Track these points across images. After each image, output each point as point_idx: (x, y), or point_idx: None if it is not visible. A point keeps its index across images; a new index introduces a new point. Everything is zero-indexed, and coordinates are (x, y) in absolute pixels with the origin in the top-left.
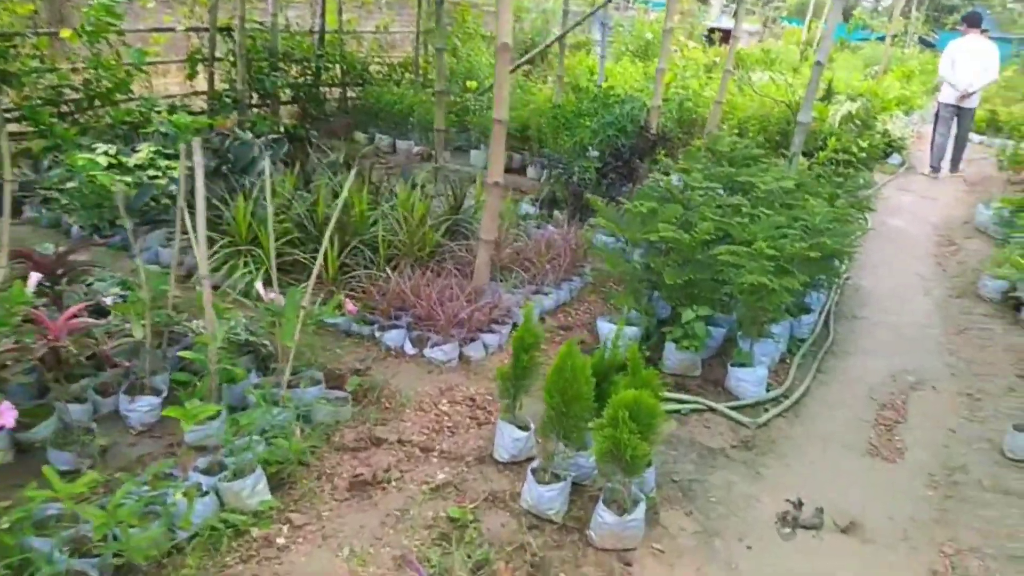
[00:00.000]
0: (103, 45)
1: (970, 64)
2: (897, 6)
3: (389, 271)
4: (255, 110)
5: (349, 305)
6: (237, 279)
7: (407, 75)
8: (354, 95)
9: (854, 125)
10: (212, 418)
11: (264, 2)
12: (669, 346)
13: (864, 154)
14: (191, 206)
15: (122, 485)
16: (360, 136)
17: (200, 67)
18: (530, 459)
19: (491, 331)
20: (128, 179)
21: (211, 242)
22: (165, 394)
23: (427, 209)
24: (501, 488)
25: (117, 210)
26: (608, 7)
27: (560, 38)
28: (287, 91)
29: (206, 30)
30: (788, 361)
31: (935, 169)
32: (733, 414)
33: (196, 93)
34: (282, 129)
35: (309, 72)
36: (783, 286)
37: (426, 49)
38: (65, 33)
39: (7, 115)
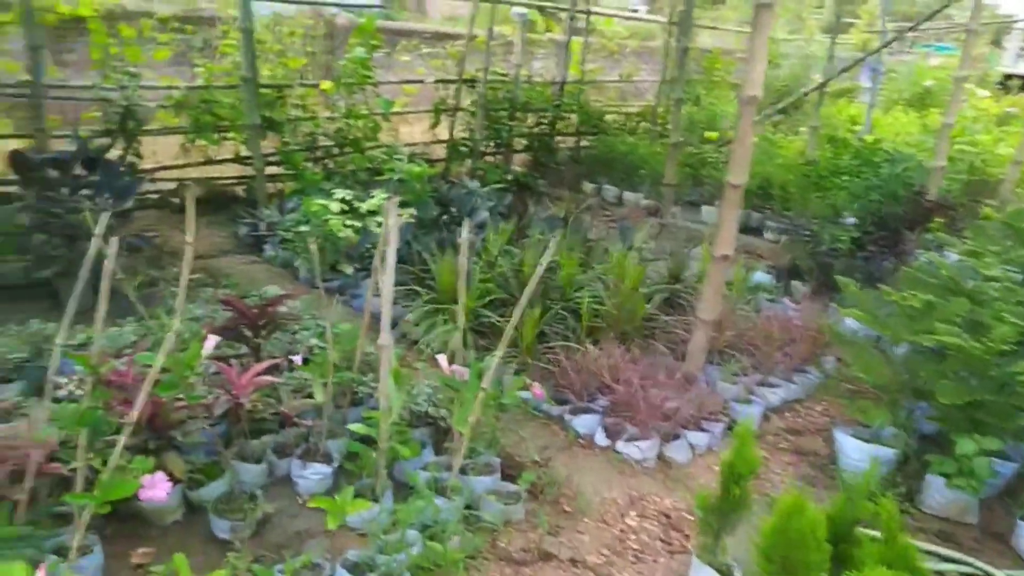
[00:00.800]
0: (359, 95)
1: None
2: None
3: (589, 344)
4: (489, 158)
5: (536, 388)
6: (435, 337)
7: (644, 124)
8: (587, 144)
9: None
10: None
11: (512, 55)
12: (934, 480)
13: None
14: (402, 260)
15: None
16: (588, 187)
17: (445, 117)
18: None
19: (701, 428)
20: (356, 225)
21: (414, 295)
22: (338, 463)
23: (641, 275)
24: None
25: (340, 255)
26: (882, 51)
27: (822, 86)
28: (522, 140)
29: (453, 81)
30: None
31: None
32: None
33: (437, 141)
34: (511, 177)
35: (544, 121)
36: None
37: (668, 98)
38: (325, 85)
39: (269, 159)
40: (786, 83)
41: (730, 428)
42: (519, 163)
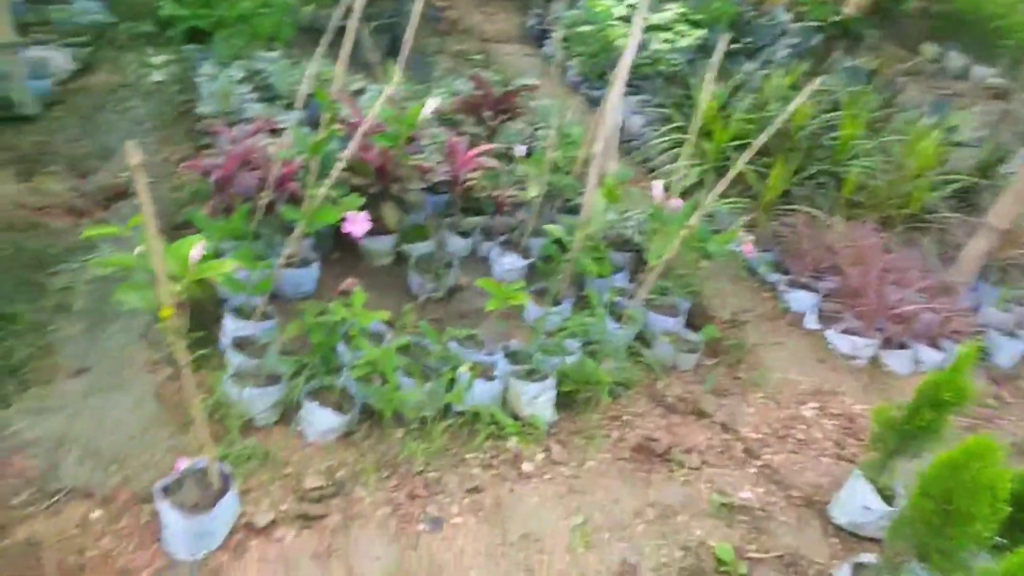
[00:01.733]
0: None
1: None
2: None
3: (838, 220)
4: None
5: (748, 245)
6: (679, 168)
7: None
8: None
9: None
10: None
11: None
12: None
13: None
14: (670, 82)
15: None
16: (929, 49)
17: None
18: (873, 540)
19: (938, 346)
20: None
21: (666, 121)
22: (533, 259)
23: (933, 158)
24: (808, 558)
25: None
26: None
27: None
28: None
29: None
30: None
31: None
32: None
33: None
34: (837, 18)
35: None
36: None
37: None
38: None
39: None
40: None
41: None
42: (856, 5)
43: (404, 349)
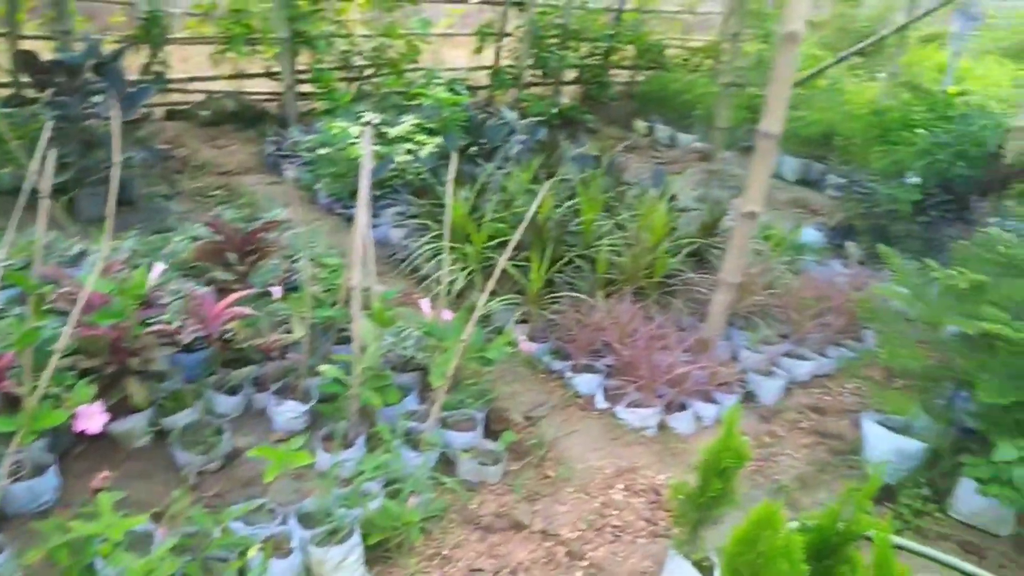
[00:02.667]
0: (399, 13)
1: None
2: None
3: (601, 298)
4: (538, 89)
5: (525, 343)
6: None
7: (708, 61)
8: (644, 80)
9: None
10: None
11: None
12: (967, 484)
13: None
14: (419, 192)
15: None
16: (640, 125)
17: (491, 42)
18: None
19: (711, 399)
20: (381, 150)
21: (425, 230)
22: (314, 402)
23: (666, 226)
24: None
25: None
26: None
27: (902, 28)
28: (573, 71)
29: (501, 3)
30: None
31: None
32: None
33: (481, 68)
34: (555, 110)
35: (598, 52)
36: None
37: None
38: (361, 0)
39: (300, 76)
40: (867, 24)
41: (743, 401)
42: (569, 96)
43: (180, 547)
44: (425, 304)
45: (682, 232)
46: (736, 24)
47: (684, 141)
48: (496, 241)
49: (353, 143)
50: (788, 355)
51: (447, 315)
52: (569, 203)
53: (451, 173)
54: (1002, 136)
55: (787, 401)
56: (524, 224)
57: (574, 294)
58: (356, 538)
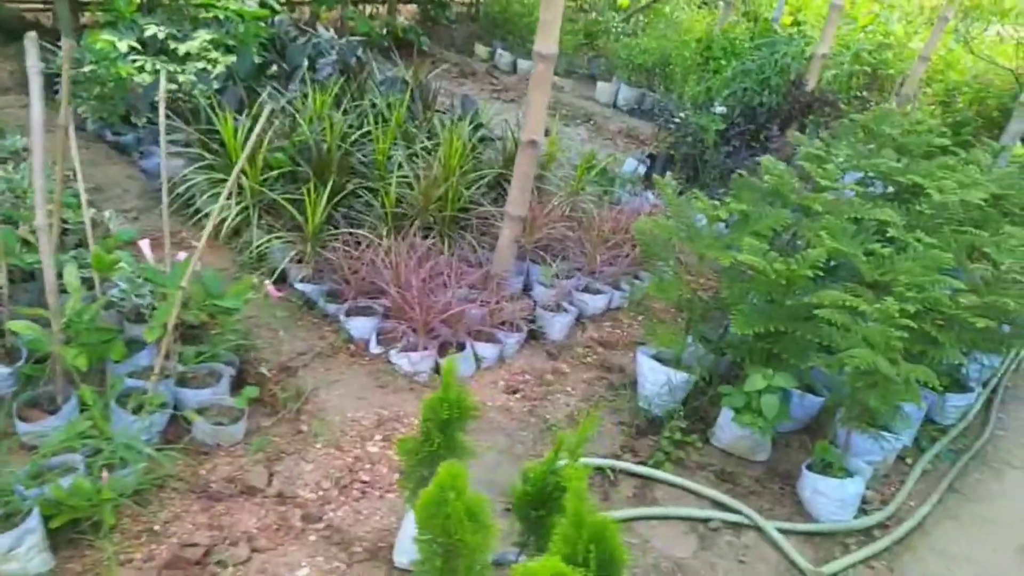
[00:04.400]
0: None
1: None
2: None
3: (385, 235)
4: (369, 7)
5: (272, 289)
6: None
7: None
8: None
9: None
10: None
11: None
12: (725, 413)
13: None
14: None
15: None
16: (481, 50)
17: None
18: None
19: (494, 339)
20: (167, 68)
21: (196, 160)
22: (21, 362)
23: (464, 155)
24: None
25: (137, 104)
26: None
27: None
28: None
29: None
30: (909, 462)
31: None
32: (788, 548)
33: None
34: (385, 31)
35: None
36: (913, 377)
37: None
38: None
39: None
40: None
41: (533, 337)
42: (408, 15)
43: None
44: (145, 245)
45: (485, 163)
46: None
47: (525, 67)
48: (277, 172)
49: (117, 59)
50: (584, 289)
51: (180, 256)
52: (365, 131)
53: (233, 95)
54: (804, 64)
55: (577, 336)
56: (247, 150)
57: (355, 231)
58: (33, 522)
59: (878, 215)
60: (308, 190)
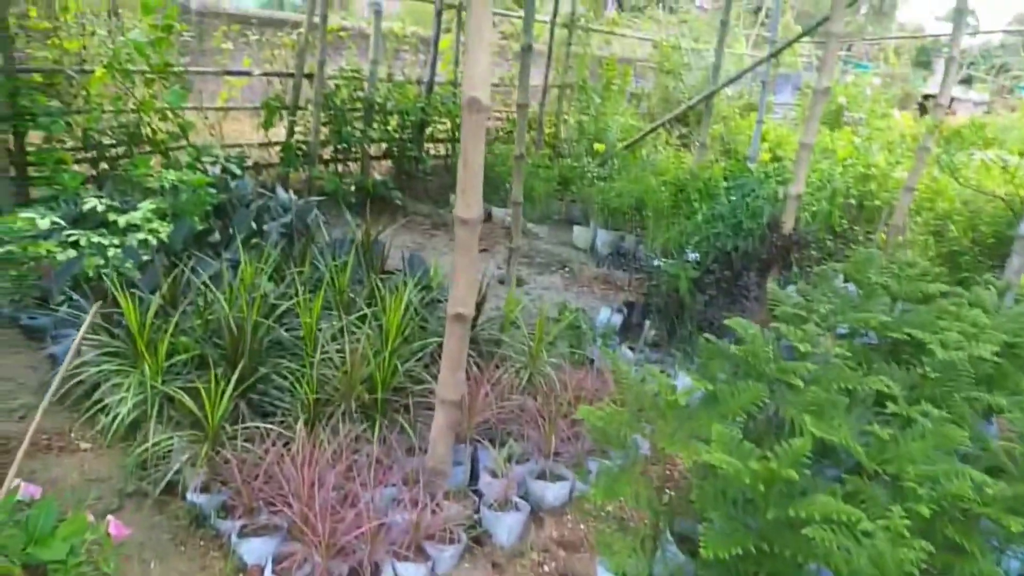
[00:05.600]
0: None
1: None
2: None
3: (299, 429)
4: (338, 165)
5: (117, 525)
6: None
7: (530, 134)
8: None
9: None
10: None
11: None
12: None
13: None
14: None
15: None
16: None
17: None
18: None
19: (423, 554)
20: (85, 244)
21: (100, 346)
22: None
23: (404, 324)
24: None
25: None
26: (776, 64)
27: (708, 97)
28: (380, 145)
29: (291, 75)
30: None
31: None
32: None
33: (270, 144)
34: (354, 187)
35: (409, 124)
36: None
37: (560, 105)
38: (98, 73)
39: (27, 157)
40: (688, 95)
41: (478, 543)
42: (384, 171)
43: None
44: None
45: (431, 331)
46: (523, 95)
47: (500, 215)
48: (186, 356)
49: (34, 237)
50: (541, 476)
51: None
52: (291, 301)
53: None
54: (778, 205)
55: (531, 538)
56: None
57: (266, 424)
58: None
59: (872, 384)
60: (213, 377)
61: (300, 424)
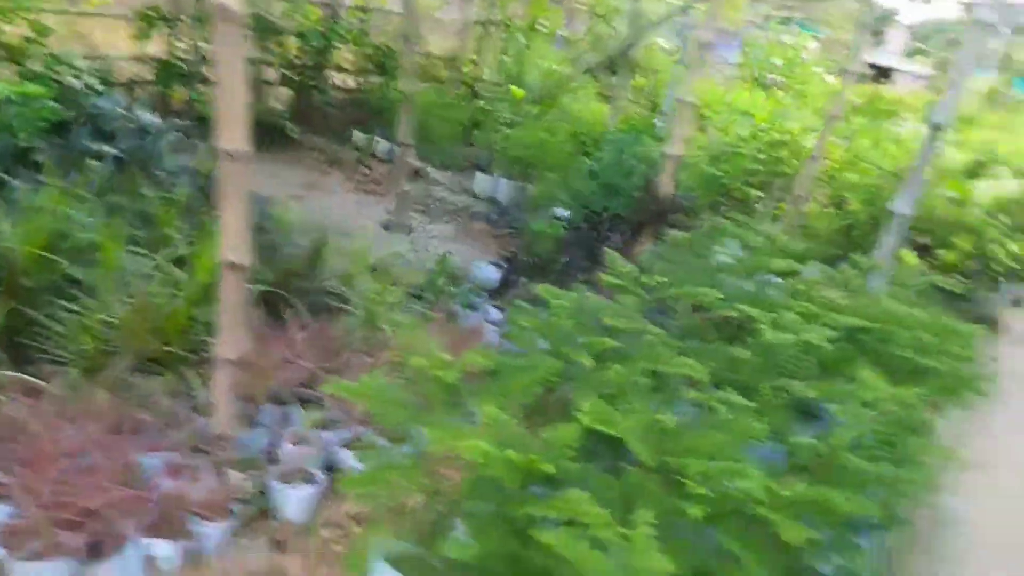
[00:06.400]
0: None
1: None
2: None
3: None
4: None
5: None
6: None
7: (447, 73)
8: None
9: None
10: None
11: None
12: None
13: (1015, 263)
14: None
15: None
16: (359, 137)
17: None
18: None
19: (182, 530)
20: None
21: None
22: None
23: (208, 269)
24: None
25: None
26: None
27: (628, 48)
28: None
29: None
30: None
31: None
32: None
33: (149, 58)
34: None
35: (311, 51)
36: None
37: (482, 44)
38: None
39: None
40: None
41: (265, 516)
42: (285, 101)
43: None
44: None
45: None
46: (411, 30)
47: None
48: None
49: None
50: (353, 444)
51: None
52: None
53: None
54: (657, 165)
55: (327, 513)
56: None
57: (26, 375)
58: None
59: (678, 367)
60: None
61: (76, 376)
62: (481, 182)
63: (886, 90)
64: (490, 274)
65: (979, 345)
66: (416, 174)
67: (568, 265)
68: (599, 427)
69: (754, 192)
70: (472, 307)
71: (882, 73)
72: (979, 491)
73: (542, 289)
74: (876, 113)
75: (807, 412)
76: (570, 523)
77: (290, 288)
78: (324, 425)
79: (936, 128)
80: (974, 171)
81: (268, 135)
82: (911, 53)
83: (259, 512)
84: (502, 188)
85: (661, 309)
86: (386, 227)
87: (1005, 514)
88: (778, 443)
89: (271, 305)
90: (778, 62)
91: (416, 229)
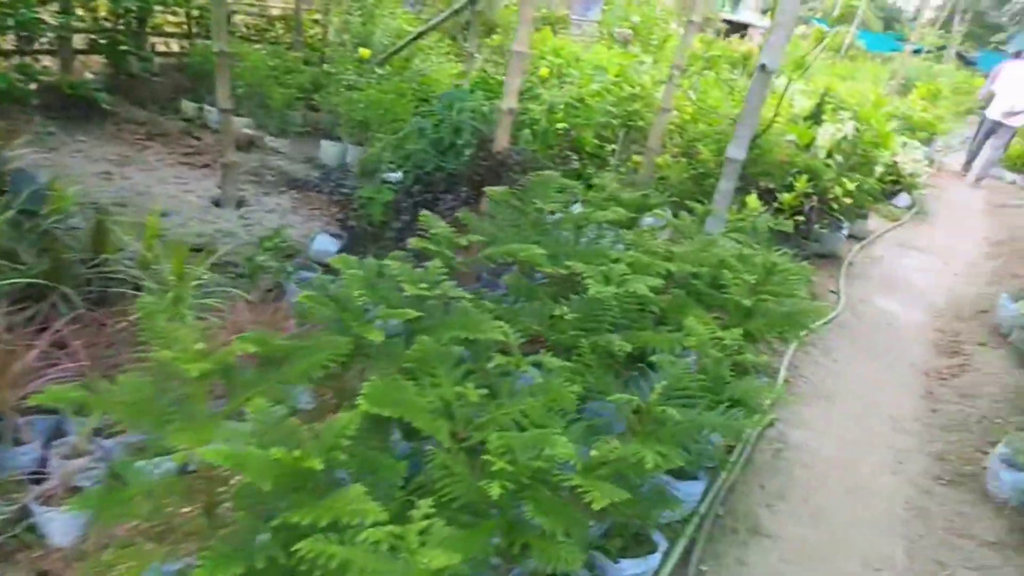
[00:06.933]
0: None
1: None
2: (927, 14)
3: None
4: (26, 58)
5: None
6: None
7: (289, 35)
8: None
9: (844, 156)
10: None
11: None
12: None
13: (851, 199)
14: None
15: None
16: (188, 106)
17: None
18: None
19: None
20: None
21: None
22: None
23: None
24: None
25: None
26: None
27: (457, 12)
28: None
29: None
30: None
31: (966, 165)
32: None
33: None
34: (34, 86)
35: (126, 13)
36: None
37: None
38: None
39: None
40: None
41: (27, 546)
42: (95, 67)
43: None
44: None
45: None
46: None
47: (240, 124)
48: None
49: None
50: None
51: None
52: None
53: None
54: (491, 121)
55: (110, 530)
56: None
57: None
58: None
59: (489, 332)
60: None
61: None
62: (328, 149)
63: (741, 44)
64: (328, 245)
65: (821, 280)
66: (251, 143)
67: (402, 231)
68: (377, 410)
69: (610, 146)
70: (303, 283)
71: (739, 28)
72: (817, 420)
73: (338, 260)
74: (724, 64)
75: (652, 366)
76: (333, 526)
77: (63, 278)
78: (106, 431)
79: (763, 69)
80: (817, 116)
81: (76, 108)
82: (766, 10)
83: (20, 543)
84: (352, 154)
85: (497, 271)
86: (216, 203)
87: (838, 440)
88: (604, 403)
89: (40, 300)
90: (635, 19)
91: (249, 202)
